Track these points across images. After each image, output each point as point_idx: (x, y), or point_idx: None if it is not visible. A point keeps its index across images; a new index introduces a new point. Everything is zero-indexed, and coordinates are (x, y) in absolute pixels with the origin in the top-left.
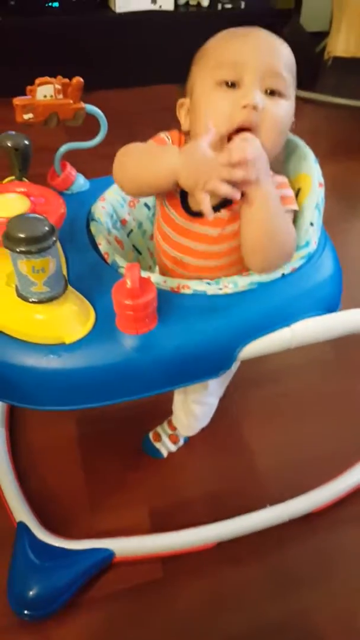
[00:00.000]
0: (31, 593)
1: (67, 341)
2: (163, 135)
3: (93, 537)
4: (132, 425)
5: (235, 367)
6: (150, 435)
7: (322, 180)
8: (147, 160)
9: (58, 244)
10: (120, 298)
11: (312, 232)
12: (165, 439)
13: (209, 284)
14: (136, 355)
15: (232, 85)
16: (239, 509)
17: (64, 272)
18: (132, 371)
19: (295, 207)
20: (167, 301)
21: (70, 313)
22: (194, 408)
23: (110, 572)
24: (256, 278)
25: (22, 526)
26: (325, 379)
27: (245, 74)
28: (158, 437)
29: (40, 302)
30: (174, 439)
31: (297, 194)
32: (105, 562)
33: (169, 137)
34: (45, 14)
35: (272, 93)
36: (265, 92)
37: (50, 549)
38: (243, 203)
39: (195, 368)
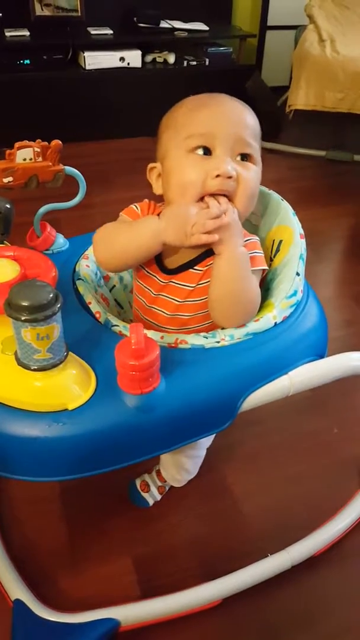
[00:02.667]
0: None
1: (70, 407)
2: (133, 207)
3: (81, 595)
4: (112, 472)
5: None
6: (138, 484)
7: (302, 232)
8: (130, 234)
9: None
10: (124, 358)
11: (298, 282)
12: (153, 489)
13: (205, 337)
14: (143, 415)
15: (205, 151)
16: (223, 554)
17: None
18: (140, 432)
19: (264, 266)
20: (166, 357)
21: (72, 378)
22: (185, 462)
23: None
24: (251, 329)
25: (20, 604)
26: (303, 419)
27: (217, 143)
28: (147, 488)
29: (42, 369)
30: (161, 490)
31: (278, 245)
32: (112, 632)
33: (139, 207)
34: (18, 71)
35: (242, 158)
36: (236, 157)
37: (52, 626)
38: (215, 261)
39: (201, 422)
